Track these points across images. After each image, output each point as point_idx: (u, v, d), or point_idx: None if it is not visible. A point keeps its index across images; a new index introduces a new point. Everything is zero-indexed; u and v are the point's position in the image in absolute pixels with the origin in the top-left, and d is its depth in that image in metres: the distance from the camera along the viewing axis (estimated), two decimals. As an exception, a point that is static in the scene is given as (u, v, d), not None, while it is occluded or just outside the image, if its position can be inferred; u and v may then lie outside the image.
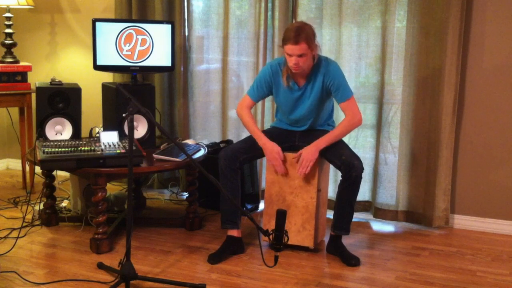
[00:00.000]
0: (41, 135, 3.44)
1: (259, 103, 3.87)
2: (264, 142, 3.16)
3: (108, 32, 3.59)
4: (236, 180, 3.15)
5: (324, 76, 3.11)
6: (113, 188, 4.18)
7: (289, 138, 3.29)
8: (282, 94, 3.20)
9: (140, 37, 3.64)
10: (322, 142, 3.11)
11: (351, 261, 3.06)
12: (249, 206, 3.89)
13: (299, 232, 3.19)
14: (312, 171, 3.12)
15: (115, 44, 3.61)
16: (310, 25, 3.06)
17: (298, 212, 3.19)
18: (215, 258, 3.07)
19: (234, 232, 3.18)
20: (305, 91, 3.15)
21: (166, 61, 3.72)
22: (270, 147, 3.15)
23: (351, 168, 3.02)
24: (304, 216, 3.18)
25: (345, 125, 3.13)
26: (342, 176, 3.09)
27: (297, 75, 3.13)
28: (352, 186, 3.06)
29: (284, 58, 3.11)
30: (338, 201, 3.15)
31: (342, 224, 3.15)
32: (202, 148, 3.55)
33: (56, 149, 3.10)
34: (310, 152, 3.09)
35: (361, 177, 3.06)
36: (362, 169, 3.05)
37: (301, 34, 2.95)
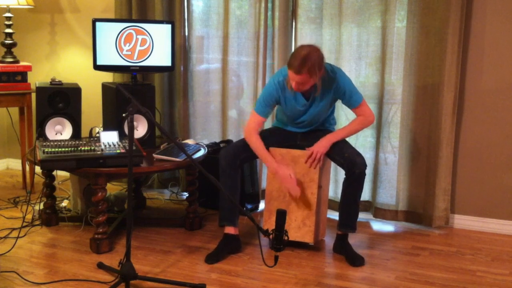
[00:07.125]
0: (41, 135, 3.44)
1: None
2: (275, 167, 3.13)
3: (108, 32, 3.59)
4: (236, 178, 3.15)
5: (334, 90, 3.08)
6: (113, 188, 4.18)
7: (290, 137, 3.29)
8: (289, 106, 3.18)
9: (140, 37, 3.64)
10: (333, 137, 3.13)
11: (356, 262, 3.05)
12: (249, 206, 3.89)
13: (299, 228, 3.19)
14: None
15: (115, 44, 3.61)
16: (317, 52, 2.92)
17: (298, 208, 3.19)
18: (212, 258, 3.06)
19: (231, 230, 3.17)
20: (312, 103, 3.13)
21: (166, 61, 3.72)
22: (282, 172, 3.11)
23: (354, 165, 3.03)
24: (304, 212, 3.18)
25: (358, 123, 3.16)
26: (345, 174, 3.10)
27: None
28: (356, 183, 3.07)
29: (287, 69, 3.03)
30: (342, 199, 3.15)
31: (348, 221, 3.15)
32: (202, 148, 3.55)
33: (56, 149, 3.10)
34: (321, 145, 3.11)
35: (364, 174, 3.07)
36: (365, 165, 3.06)
37: (305, 65, 2.86)
